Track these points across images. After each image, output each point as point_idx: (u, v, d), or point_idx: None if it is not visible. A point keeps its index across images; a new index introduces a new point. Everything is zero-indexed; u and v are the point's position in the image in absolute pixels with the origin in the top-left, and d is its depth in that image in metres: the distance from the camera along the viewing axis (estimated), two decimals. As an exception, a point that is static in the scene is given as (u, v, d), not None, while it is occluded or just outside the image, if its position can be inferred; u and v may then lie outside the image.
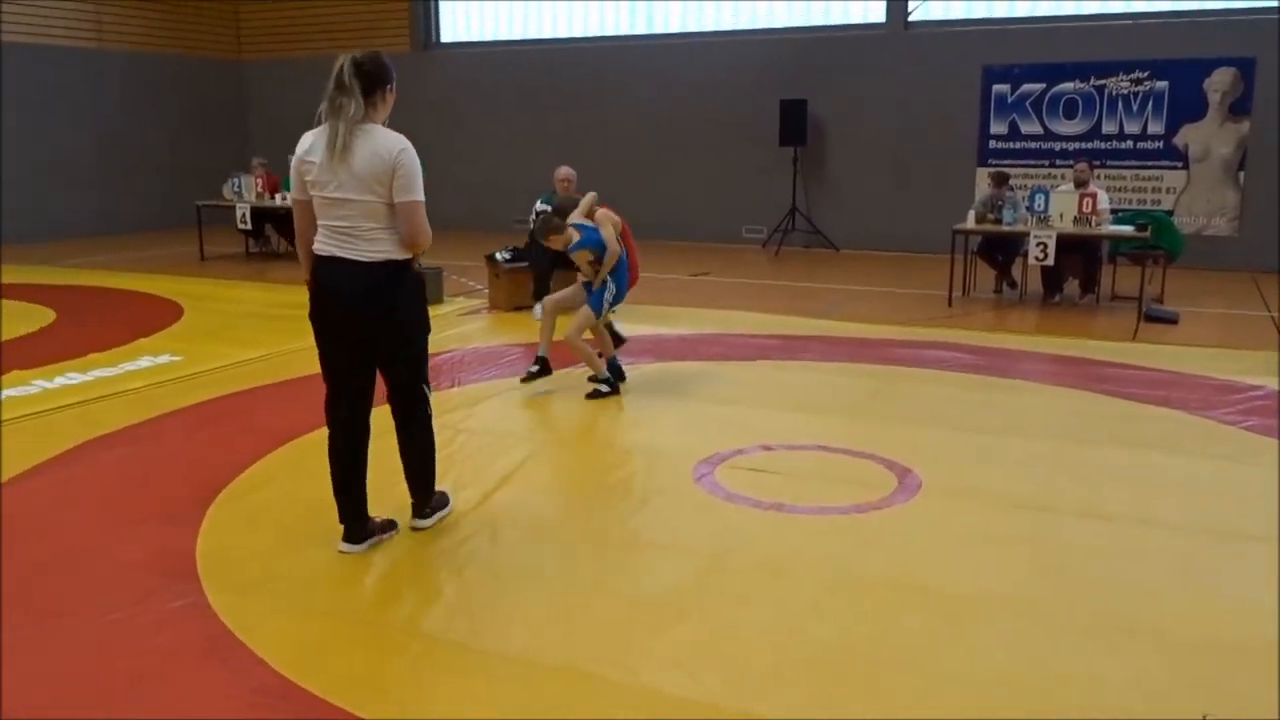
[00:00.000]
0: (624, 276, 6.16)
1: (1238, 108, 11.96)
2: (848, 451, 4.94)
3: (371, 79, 3.45)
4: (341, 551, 3.72)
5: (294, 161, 3.53)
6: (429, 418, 3.86)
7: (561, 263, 8.70)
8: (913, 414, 5.69)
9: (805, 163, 13.87)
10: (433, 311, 8.41)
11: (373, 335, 3.59)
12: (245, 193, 12.19)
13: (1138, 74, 12.26)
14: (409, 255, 3.55)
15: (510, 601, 3.36)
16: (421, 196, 3.49)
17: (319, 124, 3.44)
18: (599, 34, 15.50)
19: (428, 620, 3.24)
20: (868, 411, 5.74)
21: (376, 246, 3.47)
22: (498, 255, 8.99)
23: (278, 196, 12.26)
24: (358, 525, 3.76)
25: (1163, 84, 12.17)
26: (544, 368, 6.02)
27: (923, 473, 4.58)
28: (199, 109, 17.21)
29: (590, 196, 6.32)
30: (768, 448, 5.02)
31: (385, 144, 3.42)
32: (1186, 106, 12.12)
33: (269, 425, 5.33)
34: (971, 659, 2.99)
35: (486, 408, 5.75)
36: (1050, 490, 4.43)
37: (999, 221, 9.30)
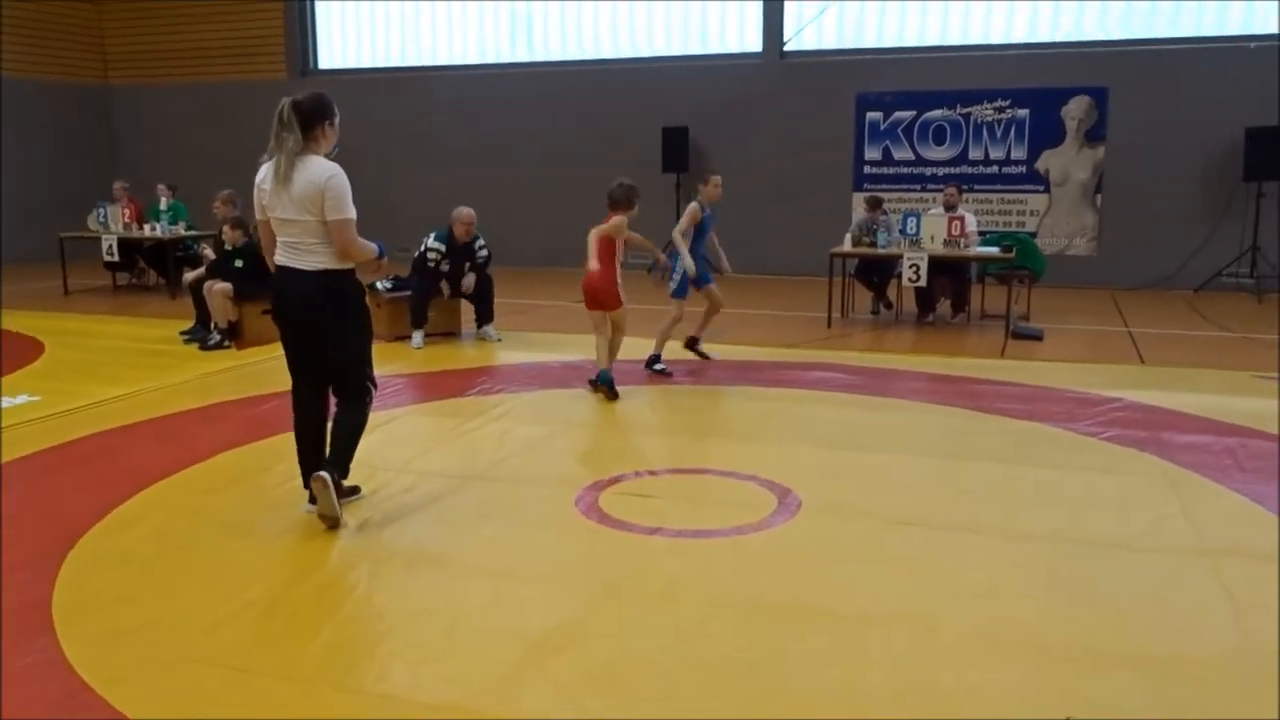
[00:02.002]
0: (675, 263, 7.30)
1: (1093, 134, 12.62)
2: (730, 474, 4.99)
3: (310, 116, 4.04)
4: (307, 511, 4.29)
5: (255, 189, 4.15)
6: (367, 405, 4.36)
7: (449, 290, 8.64)
8: (794, 435, 5.79)
9: (688, 190, 14.05)
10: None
11: (316, 333, 4.18)
12: (111, 223, 11.68)
13: (1000, 102, 12.84)
14: (346, 266, 4.12)
15: (391, 639, 3.28)
16: (348, 215, 4.05)
17: (270, 157, 4.05)
18: (480, 61, 15.47)
19: (304, 663, 3.12)
20: (751, 434, 5.82)
21: (316, 258, 4.07)
22: (378, 284, 8.83)
23: (146, 227, 11.79)
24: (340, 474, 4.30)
25: (1024, 112, 12.77)
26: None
27: (802, 493, 4.65)
28: (64, 137, 16.51)
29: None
30: (651, 473, 5.04)
31: (317, 172, 4.00)
32: (1046, 133, 12.74)
33: (137, 465, 5.11)
34: (856, 676, 3.04)
35: (366, 441, 5.60)
36: (927, 506, 4.55)
37: (874, 245, 9.58)
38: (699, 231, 7.36)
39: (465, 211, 8.63)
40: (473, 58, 15.57)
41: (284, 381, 7.12)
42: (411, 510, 4.49)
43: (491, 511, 4.48)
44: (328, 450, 4.35)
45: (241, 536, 4.16)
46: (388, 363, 7.82)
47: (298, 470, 4.60)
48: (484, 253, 8.75)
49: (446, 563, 3.95)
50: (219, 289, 8.51)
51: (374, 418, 6.08)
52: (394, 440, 5.67)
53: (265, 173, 4.10)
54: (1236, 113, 11.87)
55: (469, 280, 8.68)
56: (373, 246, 4.20)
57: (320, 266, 4.08)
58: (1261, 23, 12.17)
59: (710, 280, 7.56)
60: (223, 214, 9.12)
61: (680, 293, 7.35)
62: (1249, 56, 12.01)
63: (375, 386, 4.41)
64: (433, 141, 15.18)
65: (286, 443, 5.49)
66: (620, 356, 6.84)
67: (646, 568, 3.85)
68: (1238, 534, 4.19)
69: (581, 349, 8.26)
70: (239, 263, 8.65)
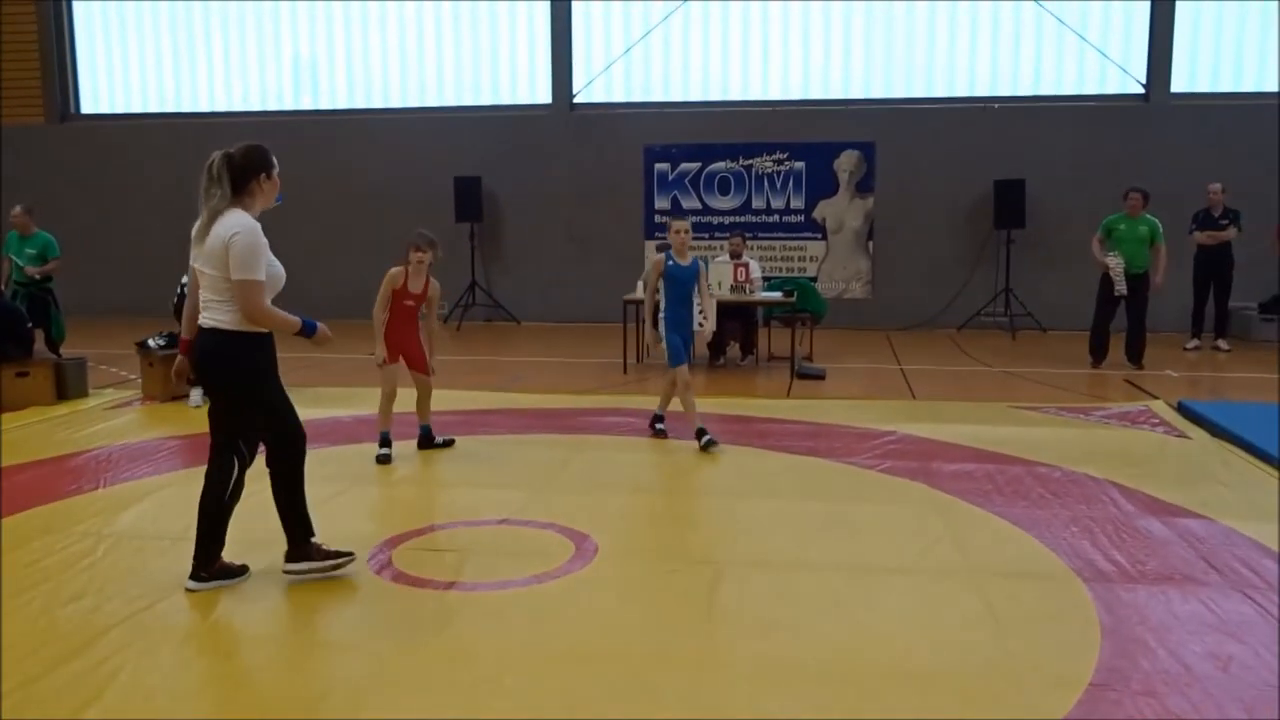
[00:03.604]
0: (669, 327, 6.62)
1: (863, 185, 13.50)
2: (529, 523, 4.98)
3: (242, 170, 3.93)
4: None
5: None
6: (226, 473, 4.10)
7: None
8: (591, 481, 5.84)
9: (483, 238, 14.05)
10: (75, 407, 7.83)
11: (208, 391, 4.16)
12: None
13: (779, 155, 13.55)
14: (239, 328, 3.92)
15: (162, 722, 3.06)
16: (251, 276, 3.84)
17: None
18: (261, 109, 14.98)
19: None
20: (549, 481, 5.82)
21: (211, 315, 3.95)
22: (150, 342, 8.33)
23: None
24: (292, 547, 4.18)
25: (800, 164, 13.52)
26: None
27: (599, 538, 4.69)
28: None
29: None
30: (447, 526, 4.96)
31: (225, 226, 3.84)
32: (821, 184, 13.54)
33: None
34: (649, 714, 3.07)
35: (137, 510, 5.26)
36: (718, 544, 4.69)
37: (664, 291, 9.83)
38: (674, 289, 6.57)
39: None
40: (254, 104, 15.06)
41: (39, 449, 6.59)
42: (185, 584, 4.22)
43: (278, 579, 4.27)
44: None
45: (-10, 621, 3.79)
46: (161, 425, 7.37)
47: (57, 546, 4.26)
48: None
49: (227, 636, 3.73)
50: (-34, 350, 7.81)
51: (146, 483, 5.77)
52: (170, 506, 5.33)
53: (195, 226, 3.97)
54: (986, 167, 13.00)
55: None
56: (289, 319, 3.99)
57: (210, 324, 3.95)
58: (1006, 85, 13.42)
59: (684, 358, 6.62)
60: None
61: (674, 359, 6.58)
62: (994, 116, 13.21)
63: (247, 458, 4.16)
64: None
65: (40, 518, 5.09)
66: (396, 411, 6.68)
67: (442, 624, 3.78)
68: (997, 554, 4.53)
69: (374, 403, 8.05)
70: (-11, 321, 7.98)
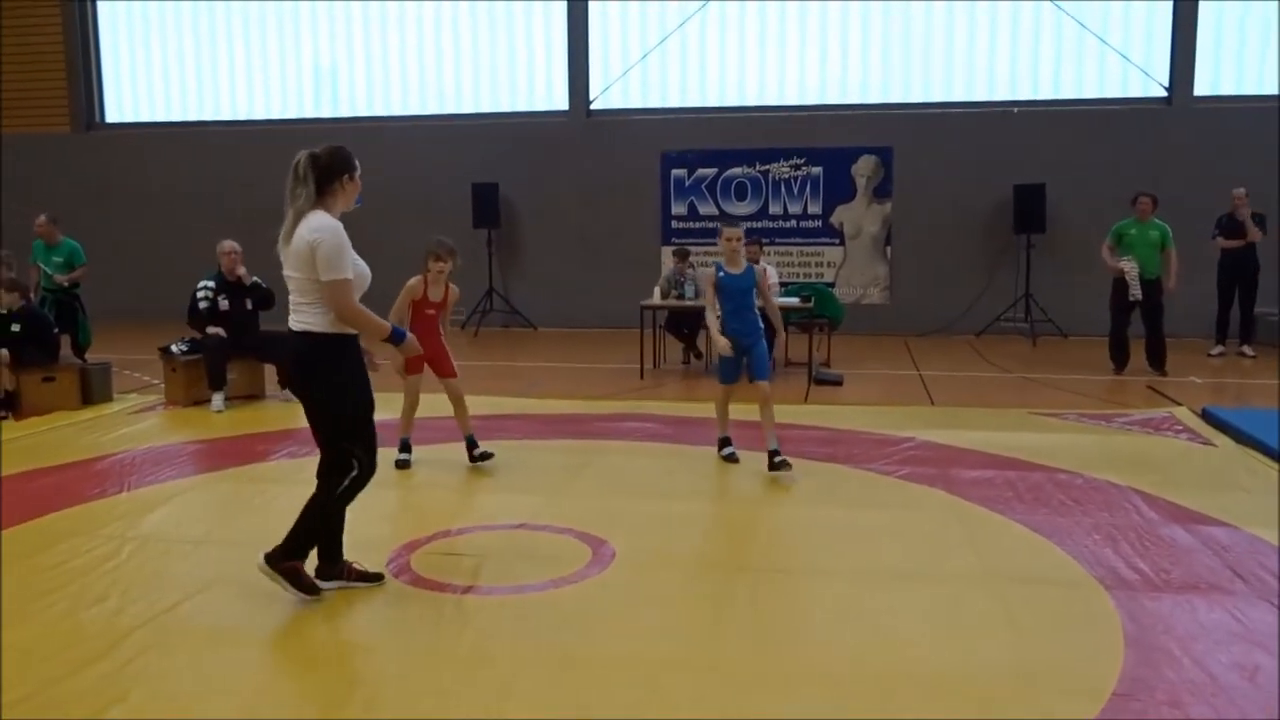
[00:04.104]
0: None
1: (881, 190, 13.46)
2: (546, 528, 4.98)
3: (327, 171, 3.92)
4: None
5: None
6: (336, 485, 3.97)
7: (239, 350, 8.30)
8: (609, 486, 5.84)
9: (500, 245, 14.10)
10: (99, 411, 7.89)
11: (300, 397, 3.99)
12: None
13: (796, 160, 13.53)
14: (332, 330, 3.84)
15: (183, 724, 3.08)
16: (340, 275, 3.79)
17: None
18: (281, 116, 15.09)
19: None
20: (566, 486, 5.83)
21: (300, 318, 3.87)
22: (173, 347, 8.40)
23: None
24: (325, 563, 4.10)
25: (817, 169, 13.50)
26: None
27: (616, 542, 4.69)
28: None
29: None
30: (465, 530, 4.97)
31: (309, 229, 3.79)
32: (839, 189, 13.50)
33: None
34: (665, 719, 3.08)
35: (161, 514, 5.30)
36: (736, 549, 4.68)
37: (681, 297, 9.85)
38: (730, 299, 6.13)
39: (225, 244, 8.44)
40: (275, 112, 15.18)
41: (65, 453, 6.66)
42: (211, 584, 4.25)
43: (297, 580, 4.29)
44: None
45: (19, 624, 3.83)
46: (184, 430, 7.43)
47: (83, 549, 4.30)
48: (260, 288, 8.52)
49: (249, 638, 3.75)
50: (-6, 356, 7.90)
51: (169, 486, 5.81)
52: (193, 510, 5.38)
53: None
54: (1006, 171, 12.93)
55: None
56: (380, 322, 3.95)
57: (300, 327, 3.86)
58: (1025, 89, 13.37)
59: (737, 372, 6.24)
60: (-2, 277, 8.49)
61: (724, 375, 6.31)
62: (1014, 120, 13.15)
63: (359, 467, 3.98)
64: (233, 198, 14.62)
65: (66, 521, 5.13)
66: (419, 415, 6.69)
67: (459, 627, 3.79)
68: (1018, 561, 4.50)
69: (390, 408, 8.09)
70: (15, 327, 8.06)
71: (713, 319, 6.15)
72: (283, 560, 3.96)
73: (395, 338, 4.06)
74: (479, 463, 6.22)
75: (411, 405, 6.32)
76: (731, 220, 6.57)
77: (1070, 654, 3.50)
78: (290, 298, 3.91)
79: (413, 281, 6.19)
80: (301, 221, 3.82)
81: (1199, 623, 3.77)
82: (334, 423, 3.94)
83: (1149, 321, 9.64)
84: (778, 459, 5.95)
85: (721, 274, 6.12)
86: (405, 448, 6.31)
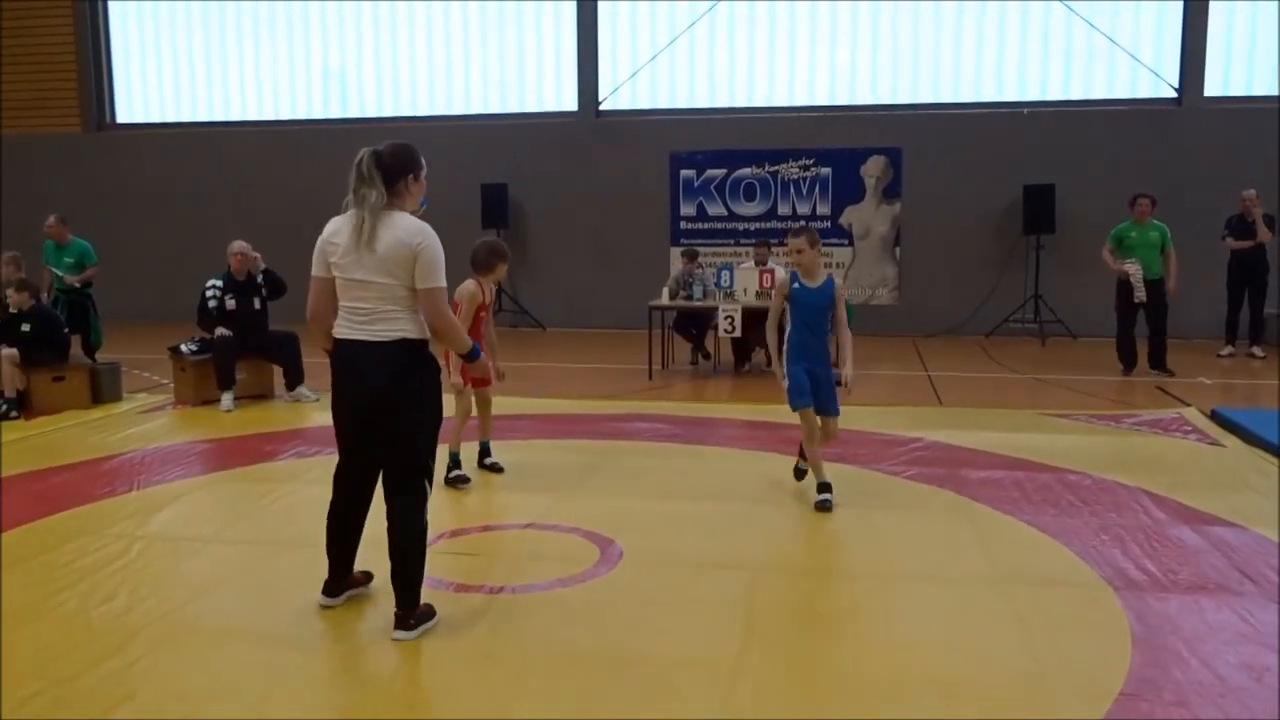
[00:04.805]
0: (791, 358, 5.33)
1: (889, 191, 13.41)
2: (554, 527, 5.00)
3: (392, 170, 3.67)
4: (320, 604, 3.91)
5: (319, 242, 3.70)
6: (414, 510, 3.72)
7: (247, 350, 8.31)
8: (617, 486, 5.85)
9: (509, 245, 14.06)
10: (109, 410, 7.94)
11: (383, 413, 3.64)
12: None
13: (805, 161, 13.50)
14: (425, 337, 3.67)
15: (192, 721, 3.10)
16: (442, 283, 3.61)
17: (345, 211, 3.62)
18: (291, 117, 15.13)
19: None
20: (575, 486, 5.83)
21: (393, 326, 3.60)
22: (183, 347, 8.44)
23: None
24: (335, 582, 3.95)
25: (826, 170, 13.46)
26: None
27: (624, 542, 4.70)
28: None
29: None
30: (473, 530, 4.99)
31: (408, 231, 3.58)
32: (848, 190, 13.46)
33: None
34: (672, 718, 3.08)
35: (170, 513, 5.33)
36: (743, 549, 4.68)
37: (690, 297, 9.86)
38: (800, 314, 5.33)
39: (236, 244, 8.46)
40: (284, 113, 15.23)
41: (74, 453, 6.68)
42: (220, 583, 4.27)
43: (307, 579, 4.30)
44: (390, 572, 3.71)
45: (29, 622, 3.85)
46: (192, 429, 7.46)
47: (92, 548, 4.31)
48: (271, 275, 8.53)
49: (257, 637, 3.77)
50: (5, 355, 7.94)
51: (178, 486, 5.83)
52: (202, 509, 5.41)
53: (339, 226, 3.64)
54: (1015, 172, 12.91)
55: None
56: (467, 338, 3.83)
57: (398, 336, 3.59)
58: (1035, 89, 13.34)
59: (809, 398, 5.28)
60: (8, 277, 8.54)
61: (795, 398, 5.33)
62: (1023, 121, 13.12)
63: (431, 488, 3.78)
64: (242, 199, 14.68)
65: (75, 519, 5.16)
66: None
67: (467, 626, 3.80)
68: (1026, 562, 4.49)
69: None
70: (26, 327, 8.11)
71: (773, 337, 5.40)
72: (414, 610, 3.72)
73: (474, 353, 3.91)
74: (487, 470, 6.17)
75: (464, 416, 5.98)
76: (786, 228, 5.44)
77: (1078, 654, 3.50)
78: (362, 305, 3.60)
79: (472, 287, 5.75)
80: (385, 225, 3.56)
81: (1207, 623, 3.76)
82: (424, 437, 3.73)
83: (1152, 322, 9.63)
84: (823, 497, 5.29)
85: (796, 285, 5.28)
86: (456, 463, 5.95)
